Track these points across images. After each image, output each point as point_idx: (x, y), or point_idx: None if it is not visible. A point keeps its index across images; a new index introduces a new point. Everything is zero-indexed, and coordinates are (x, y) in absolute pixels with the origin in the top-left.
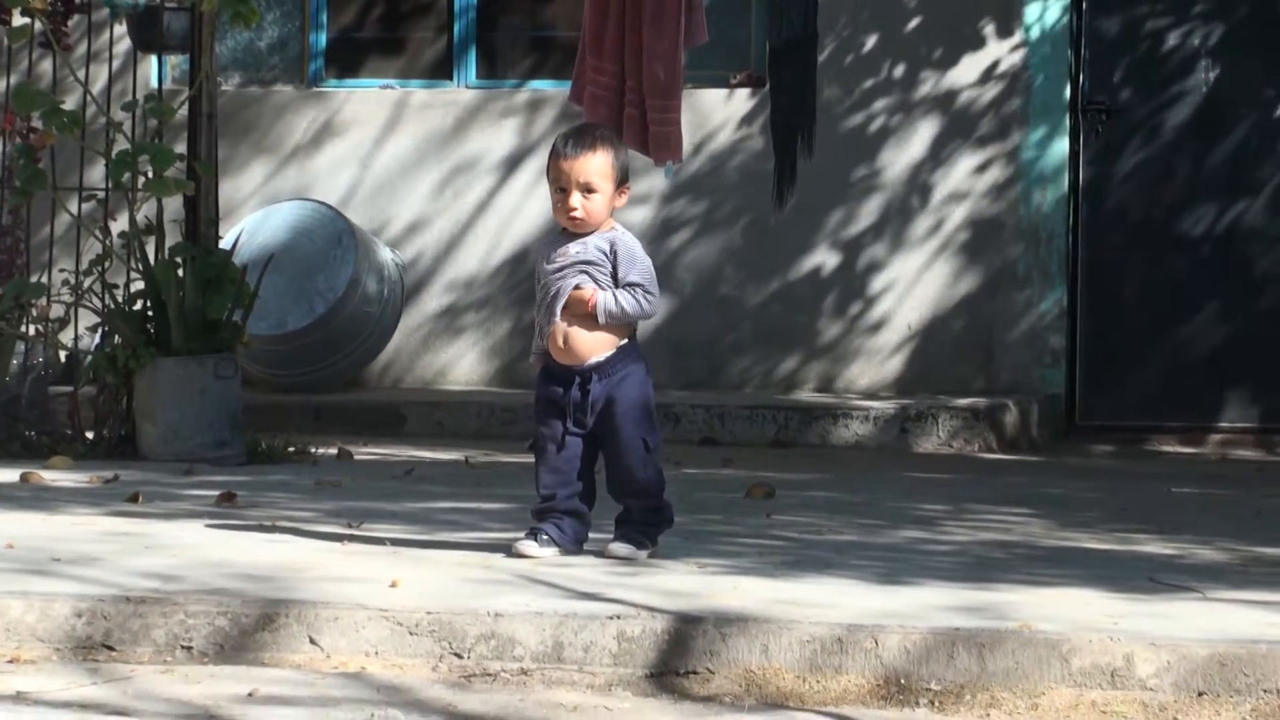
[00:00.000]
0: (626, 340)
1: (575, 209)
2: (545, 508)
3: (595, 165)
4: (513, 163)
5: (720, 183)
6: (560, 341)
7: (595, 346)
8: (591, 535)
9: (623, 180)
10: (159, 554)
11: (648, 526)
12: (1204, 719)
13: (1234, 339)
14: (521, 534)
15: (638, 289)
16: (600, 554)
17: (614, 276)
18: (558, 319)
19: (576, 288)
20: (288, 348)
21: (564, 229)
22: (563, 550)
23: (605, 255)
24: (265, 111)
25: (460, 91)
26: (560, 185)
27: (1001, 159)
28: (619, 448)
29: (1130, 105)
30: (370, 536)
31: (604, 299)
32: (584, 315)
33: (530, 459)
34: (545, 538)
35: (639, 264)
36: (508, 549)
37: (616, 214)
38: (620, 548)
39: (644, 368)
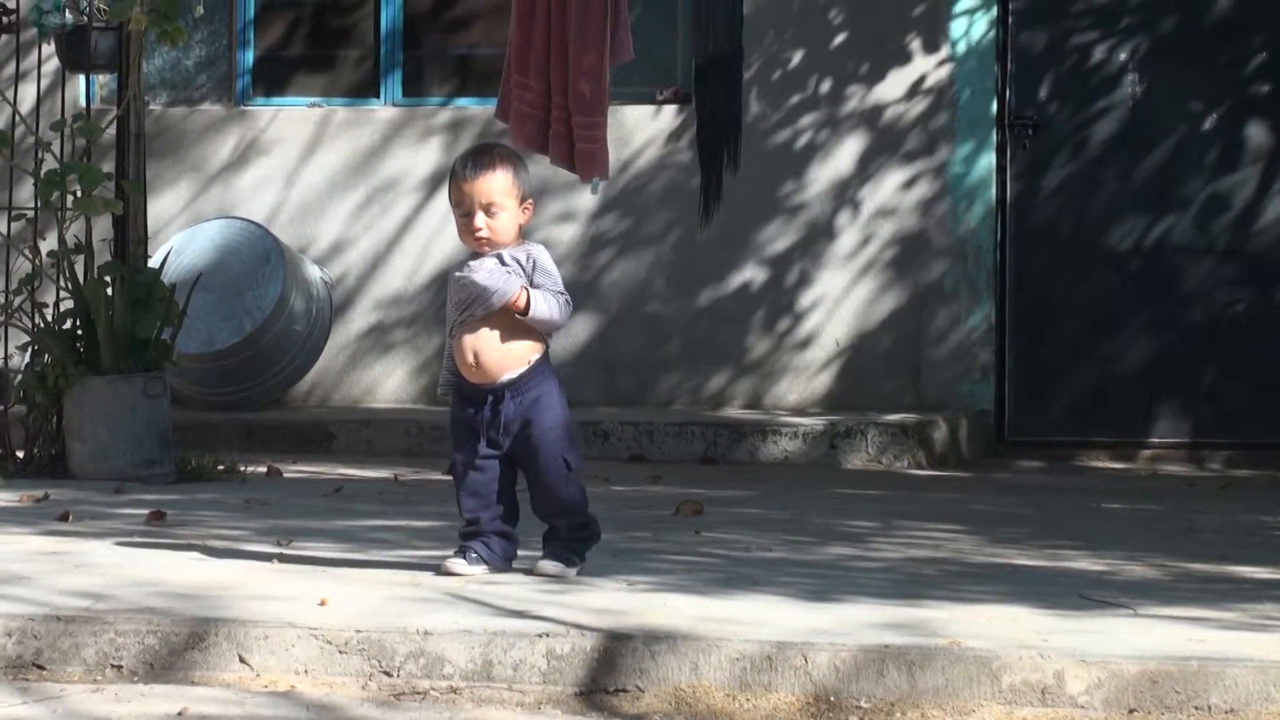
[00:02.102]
0: (539, 356)
1: (480, 229)
2: (471, 530)
3: (497, 184)
4: (436, 180)
5: (647, 199)
6: (470, 359)
7: (507, 363)
8: (520, 553)
9: (525, 196)
10: (89, 573)
11: (576, 543)
12: None
13: (1163, 354)
14: (450, 552)
15: (560, 296)
16: (529, 572)
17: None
18: (468, 333)
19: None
20: (217, 366)
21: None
22: (492, 568)
23: (522, 266)
24: (191, 130)
25: (383, 110)
26: (464, 208)
27: (928, 174)
28: (540, 469)
29: (1057, 119)
30: (300, 555)
31: (535, 293)
32: (498, 330)
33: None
34: (474, 555)
35: (554, 276)
36: (437, 567)
37: (541, 231)
38: (549, 565)
39: (557, 385)
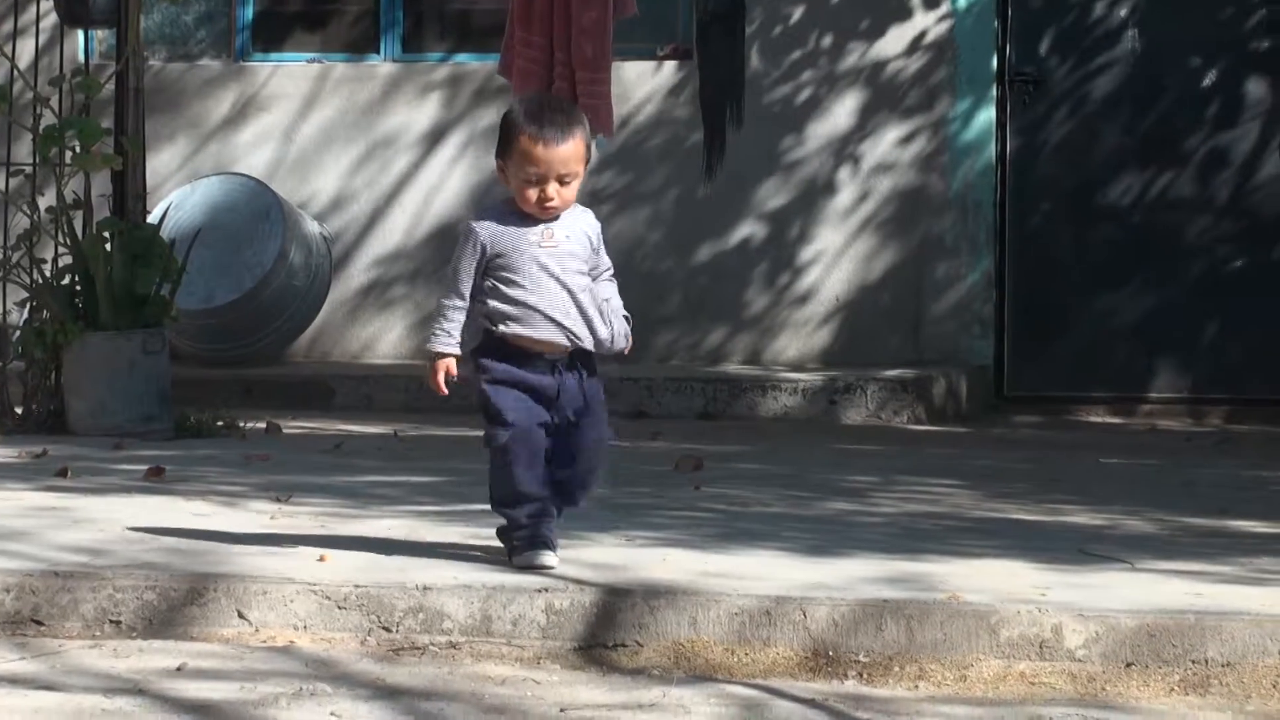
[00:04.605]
0: None
1: (553, 199)
2: (539, 510)
3: (577, 152)
4: (435, 137)
5: (646, 155)
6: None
7: None
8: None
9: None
10: (87, 529)
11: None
12: (1132, 689)
13: (1163, 309)
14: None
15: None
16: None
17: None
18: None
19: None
20: (216, 322)
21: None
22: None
23: (590, 244)
24: (190, 86)
25: (383, 65)
26: (539, 173)
27: (928, 130)
28: (595, 435)
29: (1057, 75)
30: (299, 511)
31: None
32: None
33: (477, 443)
34: (551, 539)
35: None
36: (435, 519)
37: None
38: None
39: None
